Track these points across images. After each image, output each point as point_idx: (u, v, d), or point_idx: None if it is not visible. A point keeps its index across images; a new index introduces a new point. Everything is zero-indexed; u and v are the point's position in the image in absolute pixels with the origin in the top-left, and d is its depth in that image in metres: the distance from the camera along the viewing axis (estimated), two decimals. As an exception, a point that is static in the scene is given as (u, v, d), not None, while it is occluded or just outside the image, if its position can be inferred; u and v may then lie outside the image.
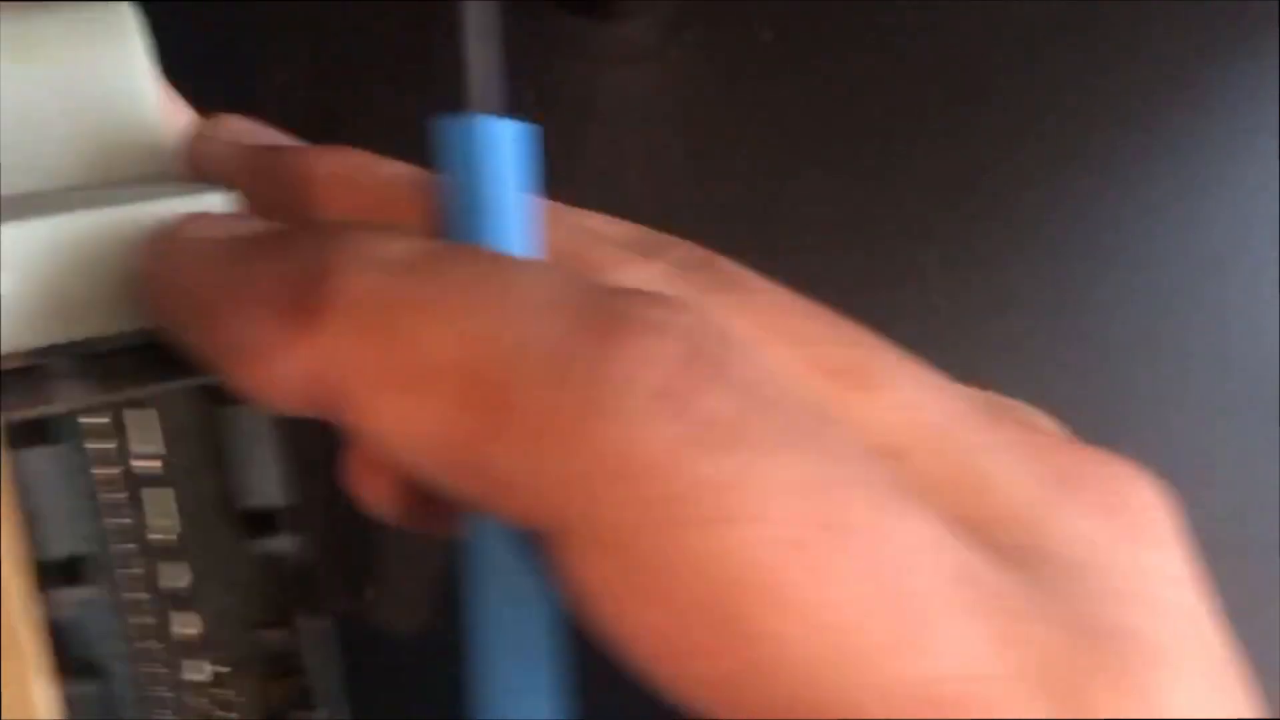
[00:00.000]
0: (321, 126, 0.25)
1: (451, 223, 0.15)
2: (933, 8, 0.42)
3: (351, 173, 0.17)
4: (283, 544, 0.18)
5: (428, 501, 0.15)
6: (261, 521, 0.18)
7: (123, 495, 0.17)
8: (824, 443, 0.13)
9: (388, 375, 0.13)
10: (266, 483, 0.18)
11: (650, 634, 0.12)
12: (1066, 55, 0.47)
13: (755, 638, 0.12)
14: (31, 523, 0.16)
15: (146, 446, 0.17)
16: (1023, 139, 0.40)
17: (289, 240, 0.14)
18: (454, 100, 0.16)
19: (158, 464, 0.17)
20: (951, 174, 0.39)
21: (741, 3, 0.41)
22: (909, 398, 0.15)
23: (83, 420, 0.17)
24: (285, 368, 0.13)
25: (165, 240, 0.15)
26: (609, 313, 0.13)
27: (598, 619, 0.13)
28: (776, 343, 0.15)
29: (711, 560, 0.12)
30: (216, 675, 0.18)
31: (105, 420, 0.17)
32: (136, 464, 0.17)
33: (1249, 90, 0.46)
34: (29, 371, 0.16)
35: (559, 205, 0.17)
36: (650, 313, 0.13)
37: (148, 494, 0.17)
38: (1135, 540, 0.16)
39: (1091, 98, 0.44)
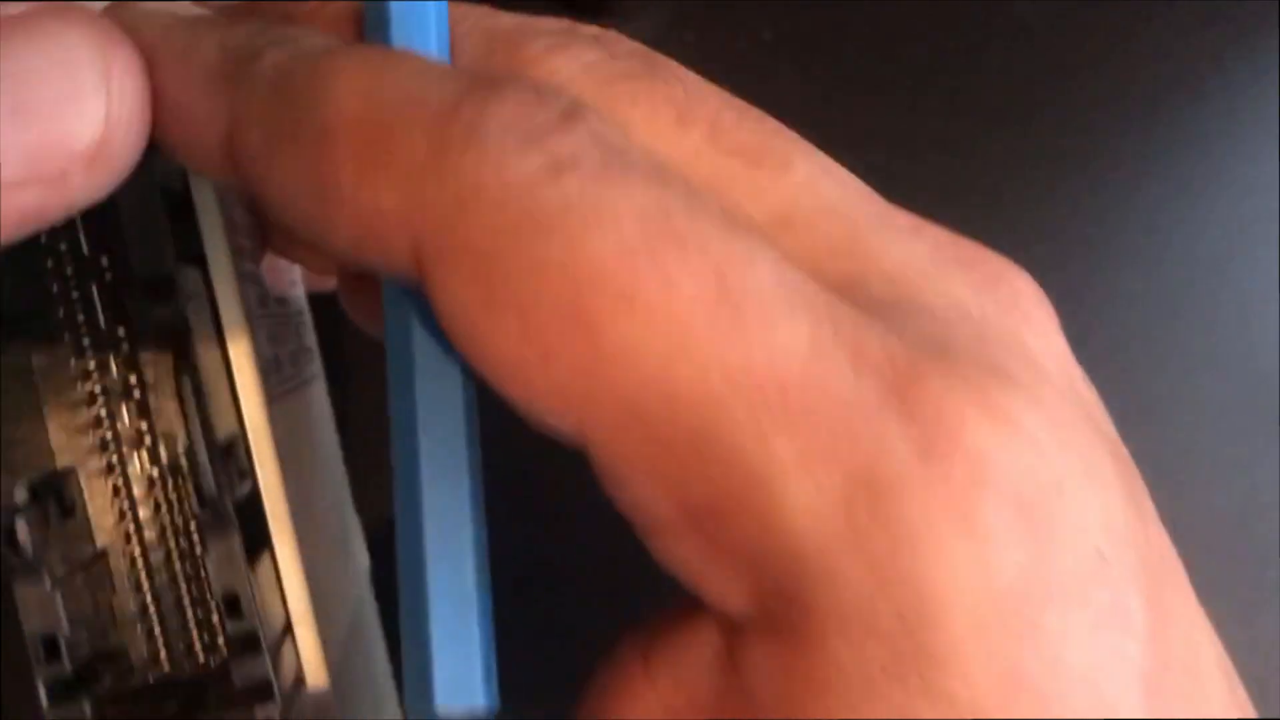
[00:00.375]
0: None
1: (371, 35, 0.17)
2: (933, 8, 0.42)
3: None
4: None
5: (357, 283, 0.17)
6: None
7: None
8: (677, 185, 0.14)
9: (283, 132, 0.14)
10: None
11: (507, 347, 0.13)
12: (1066, 55, 0.47)
13: (604, 337, 0.13)
14: None
15: None
16: (1022, 139, 0.40)
17: (231, 24, 0.16)
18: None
19: None
20: (950, 174, 0.39)
21: (741, 3, 0.42)
22: (809, 177, 0.16)
23: None
24: (208, 128, 0.15)
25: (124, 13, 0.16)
26: (498, 81, 0.14)
27: (461, 342, 0.14)
28: (683, 125, 0.16)
29: (563, 269, 0.13)
30: None
31: None
32: None
33: (1249, 90, 0.46)
34: None
35: (486, 10, 0.18)
36: (540, 83, 0.14)
37: None
38: (1019, 319, 0.16)
39: (1091, 98, 0.45)
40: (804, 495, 0.12)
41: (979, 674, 0.12)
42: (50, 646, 0.18)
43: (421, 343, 0.15)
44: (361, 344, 0.19)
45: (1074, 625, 0.12)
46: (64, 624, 0.17)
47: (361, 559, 0.27)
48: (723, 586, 0.13)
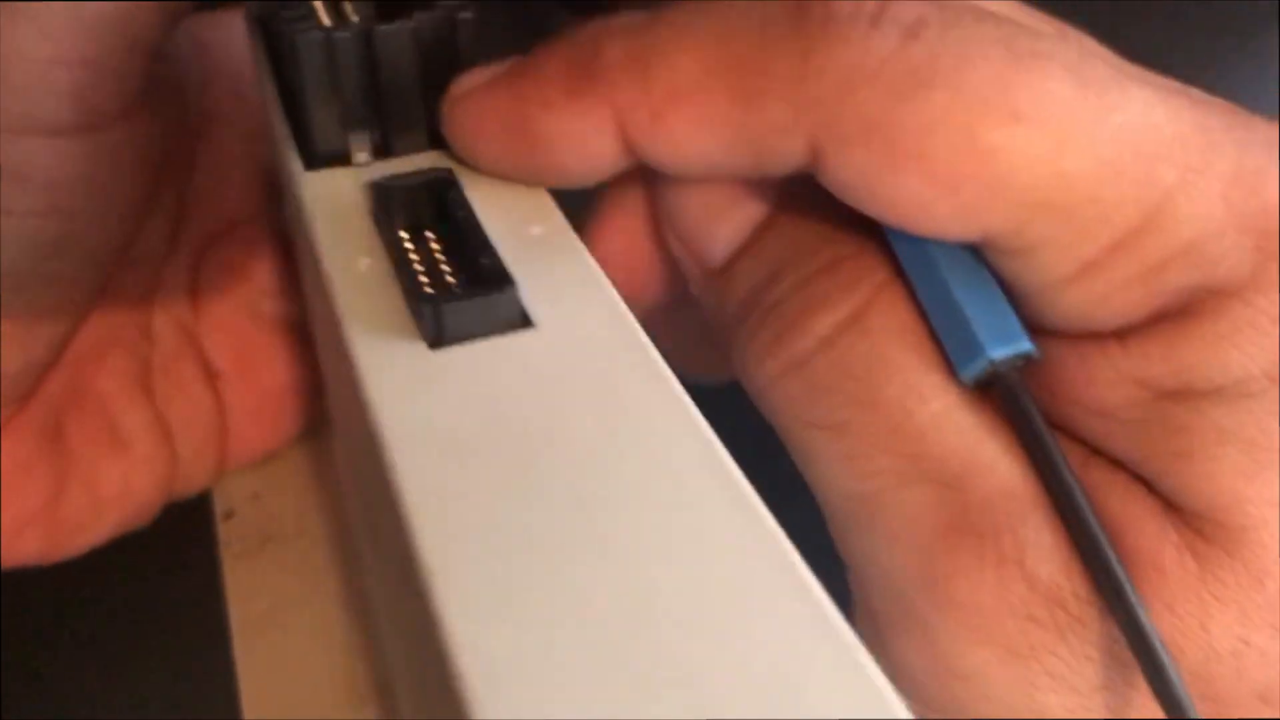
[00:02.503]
0: None
1: None
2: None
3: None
4: None
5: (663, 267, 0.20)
6: None
7: None
8: (1000, 17, 0.16)
9: (661, 101, 0.16)
10: None
11: (912, 193, 0.16)
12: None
13: (1000, 154, 0.15)
14: None
15: None
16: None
17: (552, 49, 0.18)
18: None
19: None
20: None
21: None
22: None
23: None
24: (583, 123, 0.17)
25: (456, 99, 0.18)
26: None
27: (865, 203, 0.16)
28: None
29: (950, 111, 0.15)
30: None
31: None
32: None
33: (1249, 90, 0.46)
34: None
35: None
36: None
37: None
38: None
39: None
40: (1195, 206, 0.15)
41: None
42: None
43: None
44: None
45: None
46: None
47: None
48: (1129, 307, 0.16)
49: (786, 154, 0.16)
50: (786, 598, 0.11)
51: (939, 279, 0.17)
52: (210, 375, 0.26)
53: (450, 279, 0.15)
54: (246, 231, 0.26)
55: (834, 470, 0.17)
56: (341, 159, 0.18)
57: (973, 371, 0.17)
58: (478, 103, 0.18)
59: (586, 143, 0.17)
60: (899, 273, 0.17)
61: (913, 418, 0.17)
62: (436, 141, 0.19)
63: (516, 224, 0.16)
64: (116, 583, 0.27)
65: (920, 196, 0.16)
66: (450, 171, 0.17)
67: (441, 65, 0.18)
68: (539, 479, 0.12)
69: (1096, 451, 0.17)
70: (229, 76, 0.26)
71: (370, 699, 0.25)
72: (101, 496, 0.24)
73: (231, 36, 0.25)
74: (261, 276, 0.26)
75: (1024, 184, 0.15)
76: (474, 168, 0.18)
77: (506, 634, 0.10)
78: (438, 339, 0.14)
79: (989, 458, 0.16)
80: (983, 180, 0.15)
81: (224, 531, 0.27)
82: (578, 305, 0.15)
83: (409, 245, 0.16)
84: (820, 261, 0.18)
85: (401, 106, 0.18)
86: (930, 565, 0.16)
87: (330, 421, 0.28)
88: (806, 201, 0.18)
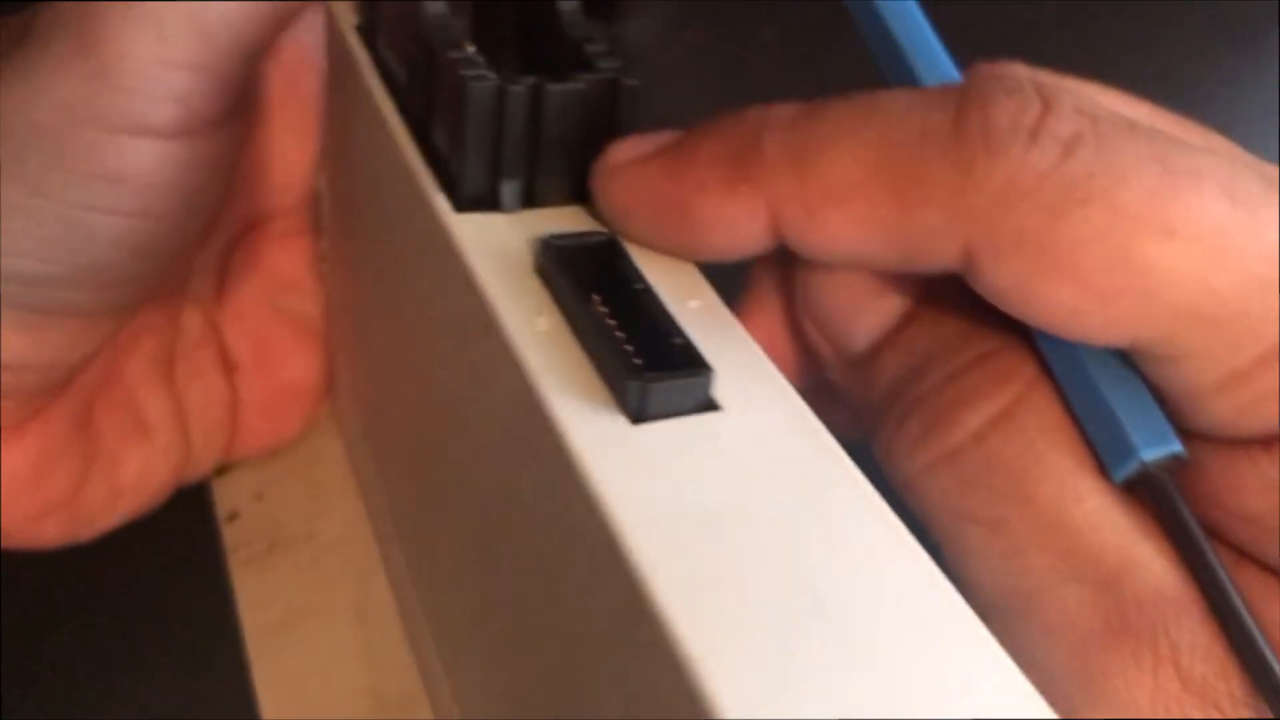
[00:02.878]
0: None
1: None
2: (933, 8, 0.41)
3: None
4: None
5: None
6: None
7: None
8: (1156, 131, 0.17)
9: (818, 197, 0.17)
10: None
11: (1065, 302, 0.16)
12: (1066, 55, 0.47)
13: (1153, 269, 0.16)
14: None
15: None
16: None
17: (712, 127, 0.18)
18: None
19: None
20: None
21: (741, 3, 0.41)
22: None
23: None
24: (737, 209, 0.17)
25: (612, 170, 0.19)
26: (977, 89, 0.17)
27: (1019, 310, 0.17)
28: (1132, 103, 0.19)
29: (1105, 227, 0.16)
30: None
31: None
32: None
33: (1249, 90, 0.46)
34: None
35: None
36: (1004, 81, 0.17)
37: None
38: None
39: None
40: None
41: None
42: None
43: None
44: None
45: None
46: None
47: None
48: (1275, 416, 0.16)
49: (939, 257, 0.17)
50: (975, 650, 0.13)
51: (1088, 379, 0.17)
52: (228, 367, 0.26)
53: (628, 348, 0.16)
54: (279, 226, 0.26)
55: (990, 565, 0.17)
56: (488, 203, 0.18)
57: (1125, 472, 0.17)
58: (634, 177, 0.18)
59: (738, 228, 0.18)
60: (1046, 370, 0.18)
61: (1069, 516, 0.17)
62: (578, 195, 0.19)
63: (676, 296, 0.17)
64: (121, 588, 0.26)
65: (1072, 306, 0.16)
66: (614, 237, 0.18)
67: (599, 126, 0.19)
68: (765, 557, 0.13)
69: (1245, 555, 0.17)
70: (282, 72, 0.25)
71: (396, 711, 0.24)
72: (120, 485, 0.24)
73: (291, 33, 0.25)
74: (288, 273, 0.26)
75: (1175, 298, 0.16)
76: (622, 235, 0.18)
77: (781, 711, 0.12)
78: (640, 416, 0.15)
79: (1143, 557, 0.17)
80: (1135, 293, 0.16)
81: (229, 535, 0.27)
82: (751, 386, 0.16)
83: (588, 311, 0.16)
84: (969, 355, 0.18)
85: (554, 159, 0.19)
86: (1086, 663, 0.17)
87: (338, 421, 0.29)
88: (951, 294, 0.19)
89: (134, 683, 0.25)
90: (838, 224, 0.17)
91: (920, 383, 0.18)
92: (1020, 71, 0.18)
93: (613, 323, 0.16)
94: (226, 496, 0.27)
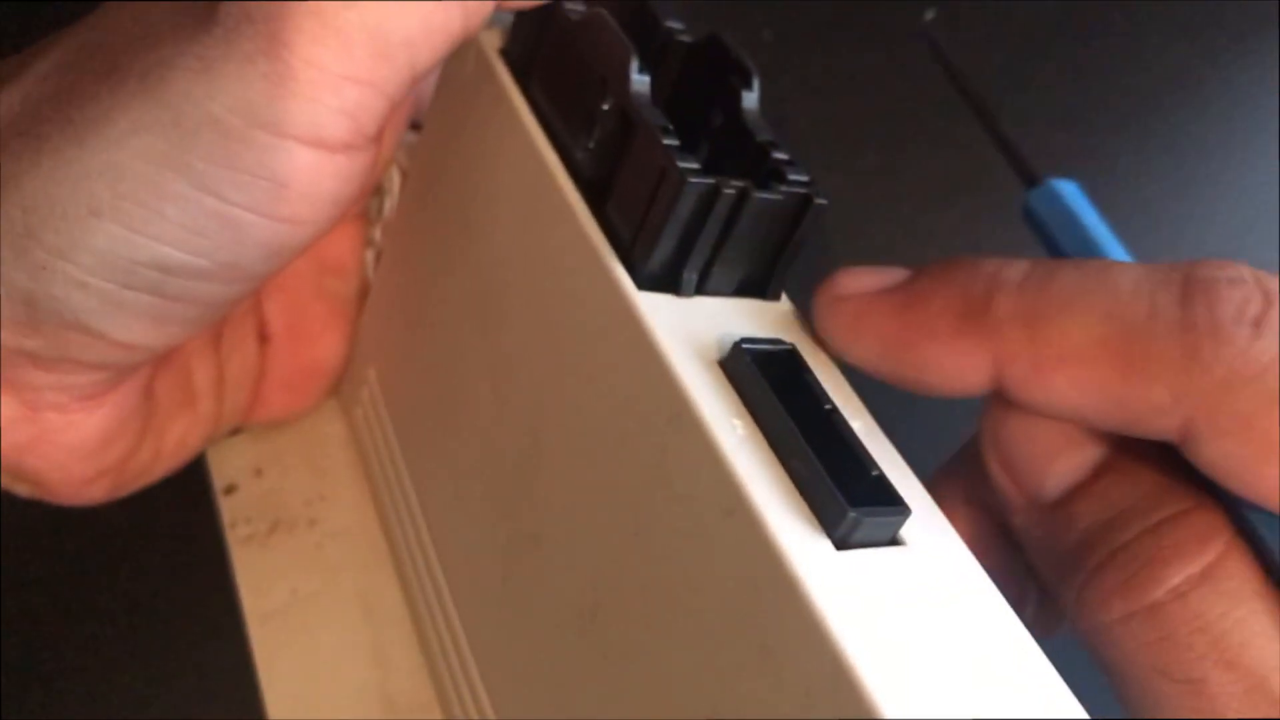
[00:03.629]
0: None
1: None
2: (933, 8, 0.41)
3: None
4: None
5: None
6: None
7: None
8: None
9: (1045, 358, 0.18)
10: None
11: (1274, 481, 0.17)
12: (1067, 55, 0.47)
13: None
14: None
15: None
16: (1022, 139, 0.40)
17: (944, 275, 0.19)
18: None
19: None
20: (951, 174, 0.39)
21: (741, 3, 0.42)
22: None
23: None
24: (966, 361, 0.19)
25: (839, 300, 0.20)
26: (1201, 277, 0.18)
27: (1236, 486, 0.18)
28: None
29: None
30: None
31: None
32: None
33: (1249, 90, 0.46)
34: None
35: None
36: (1228, 271, 0.18)
37: None
38: None
39: (1091, 98, 0.44)
40: None
41: None
42: None
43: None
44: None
45: None
46: None
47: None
48: None
49: (1158, 429, 0.18)
50: None
51: None
52: (262, 337, 0.26)
53: (826, 466, 0.17)
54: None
55: None
56: (665, 285, 0.19)
57: None
58: (862, 310, 0.19)
59: (964, 375, 0.19)
60: (1242, 532, 0.19)
61: (1271, 684, 0.18)
62: (745, 286, 0.20)
63: (848, 415, 0.18)
64: (117, 559, 0.26)
65: None
66: (795, 348, 0.19)
67: (784, 232, 0.20)
68: (978, 686, 0.15)
69: None
70: None
71: (405, 713, 0.24)
72: (163, 450, 0.24)
73: None
74: (336, 254, 0.27)
75: None
76: (841, 358, 0.20)
77: None
78: (844, 544, 0.16)
79: None
80: None
81: (227, 508, 0.27)
82: (928, 527, 0.17)
83: (788, 428, 0.17)
84: (1168, 510, 0.19)
85: (735, 254, 0.19)
86: None
87: (344, 407, 0.28)
88: (1146, 448, 0.19)
89: (132, 665, 0.25)
90: (1063, 386, 0.18)
91: (1119, 533, 0.19)
92: (1244, 268, 0.19)
93: (808, 438, 0.17)
94: (224, 467, 0.27)
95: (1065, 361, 0.18)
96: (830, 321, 0.20)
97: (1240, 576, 0.18)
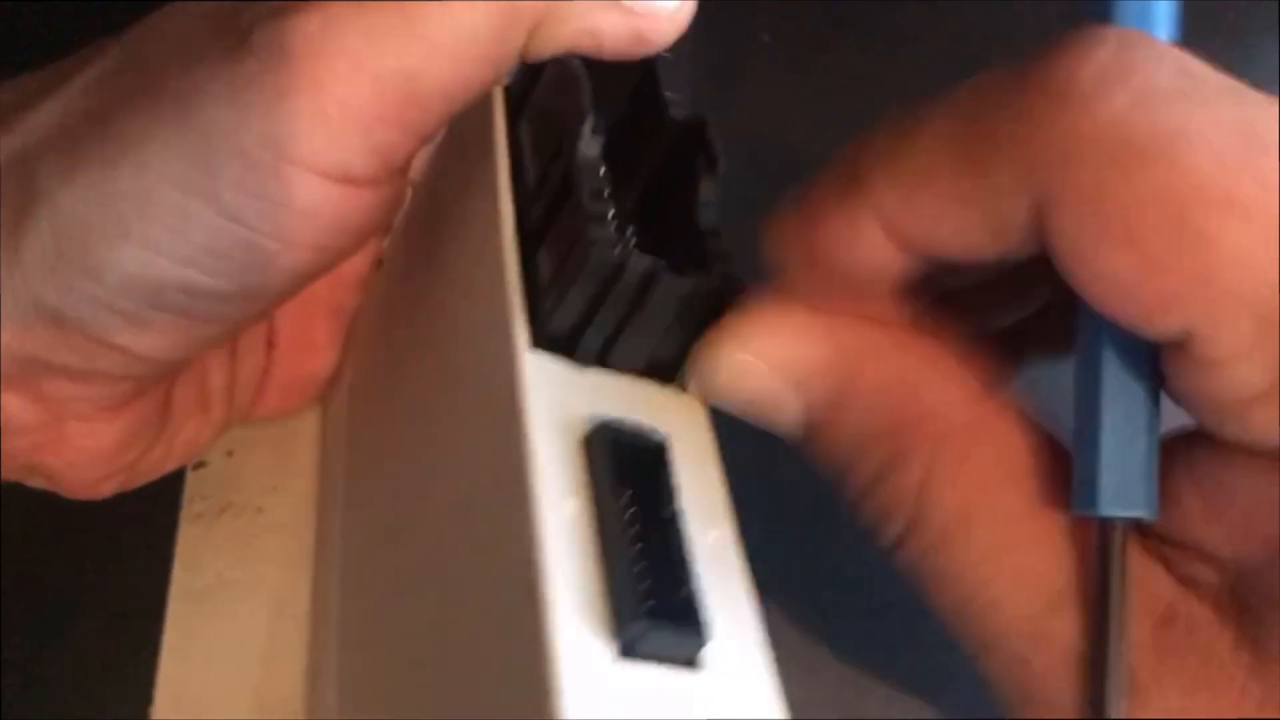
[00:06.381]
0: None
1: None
2: (933, 8, 0.41)
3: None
4: None
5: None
6: None
7: None
8: (1248, 99, 0.15)
9: (910, 186, 0.17)
10: None
11: (1118, 270, 0.15)
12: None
13: (1213, 244, 0.14)
14: None
15: None
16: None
17: (825, 169, 0.18)
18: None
19: None
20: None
21: (741, 2, 0.42)
22: None
23: None
24: (855, 226, 0.18)
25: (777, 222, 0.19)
26: (1056, 42, 0.16)
27: (1075, 273, 0.15)
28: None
29: (1166, 190, 0.14)
30: None
31: None
32: None
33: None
34: None
35: None
36: (1089, 32, 0.16)
37: None
38: None
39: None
40: None
41: None
42: None
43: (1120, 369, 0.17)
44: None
45: None
46: None
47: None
48: None
49: (1014, 218, 0.16)
50: None
51: (1097, 416, 0.17)
52: (269, 344, 0.27)
53: (639, 570, 0.16)
54: None
55: None
56: (563, 348, 0.18)
57: (1081, 513, 0.17)
58: (778, 235, 0.19)
59: (864, 244, 0.18)
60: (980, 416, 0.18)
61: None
62: (648, 368, 0.19)
63: (699, 523, 0.17)
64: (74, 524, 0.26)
65: (1125, 276, 0.15)
66: (665, 443, 0.18)
67: (697, 317, 0.19)
68: None
69: (1237, 586, 0.17)
70: None
71: (272, 712, 0.24)
72: (174, 449, 0.25)
73: None
74: (351, 268, 0.27)
75: (1233, 284, 0.14)
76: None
77: None
78: (628, 652, 0.15)
79: None
80: (1189, 269, 0.15)
81: (191, 484, 0.27)
82: (735, 655, 0.16)
83: (618, 522, 0.16)
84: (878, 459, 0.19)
85: (641, 330, 0.19)
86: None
87: (324, 409, 0.29)
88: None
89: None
90: (927, 206, 0.17)
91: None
92: (1111, 29, 0.17)
93: (636, 537, 0.16)
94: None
95: (925, 179, 0.17)
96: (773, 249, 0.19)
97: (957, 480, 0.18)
